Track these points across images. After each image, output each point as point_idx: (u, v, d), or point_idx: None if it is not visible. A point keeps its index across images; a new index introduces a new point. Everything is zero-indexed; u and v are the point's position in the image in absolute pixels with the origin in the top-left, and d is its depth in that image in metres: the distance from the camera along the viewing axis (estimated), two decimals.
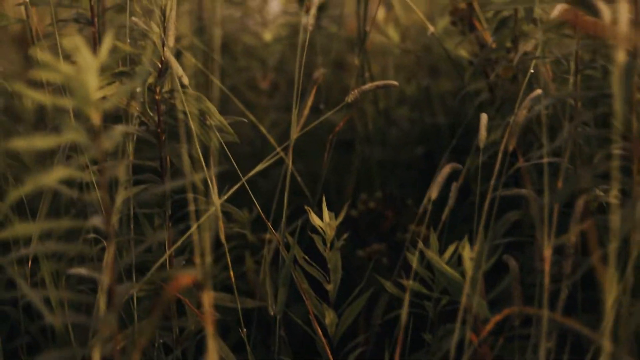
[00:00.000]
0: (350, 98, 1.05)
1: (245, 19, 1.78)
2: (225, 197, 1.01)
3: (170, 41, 1.03)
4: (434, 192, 0.98)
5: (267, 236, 1.28)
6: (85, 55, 0.69)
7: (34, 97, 0.70)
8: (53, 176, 0.71)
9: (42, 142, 0.71)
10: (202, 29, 1.45)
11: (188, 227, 1.05)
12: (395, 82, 1.10)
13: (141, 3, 1.17)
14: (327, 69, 1.53)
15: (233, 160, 1.09)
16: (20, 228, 0.73)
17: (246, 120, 1.13)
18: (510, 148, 0.95)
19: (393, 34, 1.53)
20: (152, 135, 1.06)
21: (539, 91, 1.00)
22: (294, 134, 1.12)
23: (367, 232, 1.35)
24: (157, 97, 1.05)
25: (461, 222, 1.33)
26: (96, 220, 0.75)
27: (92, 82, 0.70)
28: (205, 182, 1.06)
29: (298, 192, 1.37)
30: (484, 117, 1.03)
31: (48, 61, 0.69)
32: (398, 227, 1.34)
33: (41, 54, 0.69)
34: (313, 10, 1.02)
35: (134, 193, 0.99)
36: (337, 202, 1.51)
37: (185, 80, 1.03)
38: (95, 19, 1.22)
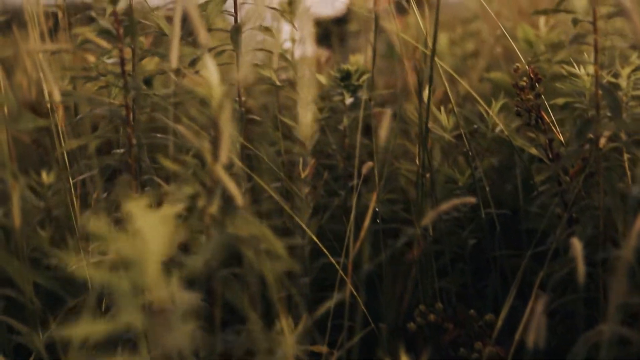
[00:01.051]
0: (426, 221, 0.93)
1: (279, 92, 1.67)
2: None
3: (224, 157, 0.90)
4: (531, 338, 0.85)
5: (323, 350, 1.15)
6: (148, 229, 0.57)
7: (88, 275, 0.58)
8: None
9: (98, 328, 0.58)
10: (242, 116, 1.33)
11: None
12: (472, 199, 0.98)
13: (186, 108, 1.05)
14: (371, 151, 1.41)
15: None
16: None
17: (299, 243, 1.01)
18: (622, 291, 0.83)
19: (444, 118, 1.42)
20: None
21: None
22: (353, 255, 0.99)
23: (425, 346, 1.22)
24: (205, 221, 0.92)
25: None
26: None
27: (155, 262, 0.57)
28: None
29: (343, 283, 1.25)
30: (576, 245, 0.91)
31: (103, 233, 0.57)
32: (459, 340, 1.22)
33: (94, 223, 0.57)
34: (384, 132, 0.90)
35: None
36: (385, 296, 1.39)
37: (240, 201, 0.91)
38: (131, 118, 1.10)
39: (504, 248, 1.46)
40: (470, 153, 1.34)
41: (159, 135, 1.19)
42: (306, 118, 0.74)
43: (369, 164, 1.23)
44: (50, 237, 1.71)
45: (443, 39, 2.14)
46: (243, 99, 1.36)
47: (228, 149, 0.91)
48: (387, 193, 1.58)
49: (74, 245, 1.59)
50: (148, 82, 1.54)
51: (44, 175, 1.79)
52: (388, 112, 0.90)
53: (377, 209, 1.55)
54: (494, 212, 1.43)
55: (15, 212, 0.98)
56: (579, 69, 1.23)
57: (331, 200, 1.54)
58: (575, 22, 1.10)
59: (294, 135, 1.52)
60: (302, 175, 1.42)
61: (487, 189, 1.43)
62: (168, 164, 0.90)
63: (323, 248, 1.27)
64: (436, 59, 1.35)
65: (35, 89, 2.04)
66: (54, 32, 2.09)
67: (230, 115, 0.91)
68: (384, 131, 0.90)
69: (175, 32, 0.97)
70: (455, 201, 0.95)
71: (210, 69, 0.91)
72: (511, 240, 1.56)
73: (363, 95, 1.42)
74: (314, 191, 1.44)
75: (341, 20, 3.48)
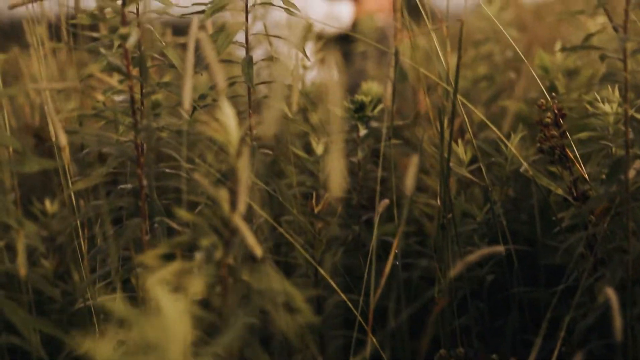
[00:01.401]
0: (454, 273, 0.89)
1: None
2: None
3: (242, 207, 0.86)
4: None
5: None
6: (172, 312, 0.52)
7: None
8: None
9: None
10: (254, 150, 1.28)
11: None
12: (501, 249, 0.94)
13: (203, 155, 1.01)
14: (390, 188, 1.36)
15: None
16: None
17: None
18: None
19: (461, 152, 1.37)
20: (216, 316, 0.89)
21: None
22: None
23: None
24: (222, 273, 0.88)
25: None
26: None
27: (178, 346, 0.53)
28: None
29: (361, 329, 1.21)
30: (613, 297, 0.87)
31: (126, 315, 0.53)
32: None
33: (113, 305, 0.53)
34: (411, 181, 0.85)
35: None
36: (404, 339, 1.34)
37: (259, 252, 0.86)
38: (142, 159, 1.05)
39: (521, 283, 1.41)
40: (489, 189, 1.29)
41: (168, 170, 1.15)
42: (336, 174, 0.69)
43: (386, 201, 1.19)
44: (54, 268, 1.67)
45: (455, 61, 2.10)
46: (254, 132, 1.32)
47: (246, 197, 0.86)
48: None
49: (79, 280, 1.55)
50: (156, 112, 1.50)
51: (47, 204, 1.75)
52: (415, 159, 0.86)
53: (390, 241, 1.51)
54: (512, 249, 1.39)
55: (20, 261, 0.94)
56: (603, 103, 1.19)
57: (344, 233, 1.49)
58: (603, 58, 1.06)
59: (307, 167, 1.47)
60: (316, 210, 1.38)
61: (504, 222, 1.39)
62: (183, 214, 0.85)
63: (337, 289, 1.22)
64: (447, 85, 1.32)
65: (38, 114, 2.00)
66: (57, 50, 2.04)
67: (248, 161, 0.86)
68: (410, 180, 0.85)
69: (188, 73, 0.93)
70: (484, 251, 0.90)
71: (227, 113, 0.87)
72: (528, 274, 1.52)
73: (383, 127, 1.38)
74: (327, 226, 1.39)
75: (346, 38, 3.41)
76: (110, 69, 1.04)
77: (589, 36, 1.06)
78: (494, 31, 2.28)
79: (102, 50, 1.06)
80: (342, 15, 3.57)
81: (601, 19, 1.88)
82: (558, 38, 2.65)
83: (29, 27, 1.69)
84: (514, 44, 1.48)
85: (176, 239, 0.87)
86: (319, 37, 2.41)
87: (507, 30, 1.93)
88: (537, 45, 2.48)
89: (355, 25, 3.43)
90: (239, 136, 0.86)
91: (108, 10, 1.10)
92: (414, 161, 0.85)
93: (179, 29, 1.95)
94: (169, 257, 0.93)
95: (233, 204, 0.86)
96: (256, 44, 1.91)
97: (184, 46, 1.98)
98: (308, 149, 1.55)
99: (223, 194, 0.86)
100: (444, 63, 1.19)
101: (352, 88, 2.61)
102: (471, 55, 2.12)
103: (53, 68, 2.00)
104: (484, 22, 2.21)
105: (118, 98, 1.06)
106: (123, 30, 0.99)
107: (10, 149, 1.07)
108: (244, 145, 0.86)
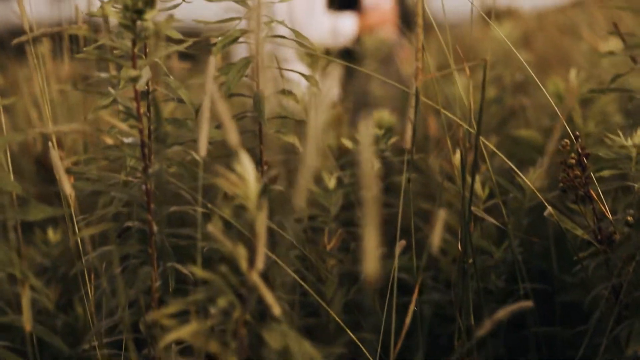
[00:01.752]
0: (482, 332, 0.84)
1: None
2: None
3: (260, 264, 0.82)
4: None
5: None
6: None
7: None
8: None
9: None
10: (265, 188, 1.24)
11: None
12: (528, 303, 0.90)
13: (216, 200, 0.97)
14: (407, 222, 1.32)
15: None
16: None
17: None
18: None
19: (479, 188, 1.33)
20: None
21: None
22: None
23: None
24: (239, 330, 0.84)
25: None
26: None
27: None
28: None
29: None
30: None
31: None
32: None
33: None
34: (437, 238, 0.81)
35: None
36: None
37: (277, 311, 0.82)
38: (152, 205, 1.01)
39: (537, 319, 1.37)
40: (507, 226, 1.26)
41: (178, 209, 1.11)
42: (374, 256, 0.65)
43: (402, 243, 1.15)
44: (56, 298, 1.62)
45: (464, 83, 2.07)
46: (266, 167, 1.28)
47: (264, 254, 0.82)
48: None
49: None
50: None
51: (50, 232, 1.70)
52: (442, 214, 0.82)
53: (400, 276, 1.47)
54: (529, 287, 1.35)
55: (25, 315, 0.89)
56: (626, 140, 1.15)
57: (356, 267, 1.45)
58: (632, 99, 1.02)
59: (317, 201, 1.43)
60: (328, 247, 1.34)
61: (520, 257, 1.35)
62: (198, 271, 0.81)
63: (349, 331, 1.18)
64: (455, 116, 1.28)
65: (39, 139, 1.96)
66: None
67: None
68: (437, 238, 0.81)
69: (204, 119, 0.89)
70: (513, 307, 0.86)
71: (245, 165, 0.83)
72: (543, 309, 1.48)
73: (395, 158, 1.35)
74: (340, 264, 1.35)
75: (349, 52, 3.35)
76: (119, 110, 1.00)
77: (617, 76, 1.03)
78: (503, 50, 2.25)
79: (111, 90, 1.02)
80: (345, 29, 3.51)
81: (613, 41, 1.84)
82: (564, 54, 2.61)
83: (31, 49, 1.64)
84: (529, 68, 1.44)
85: (191, 297, 0.83)
86: (326, 53, 2.36)
87: (517, 50, 1.90)
88: (545, 65, 2.45)
89: (358, 40, 3.37)
90: (258, 190, 0.82)
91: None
92: (440, 217, 0.81)
93: (185, 52, 1.91)
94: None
95: (251, 261, 0.82)
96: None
97: (190, 70, 1.92)
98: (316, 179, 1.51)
99: (240, 251, 0.82)
100: (466, 103, 1.15)
101: (356, 110, 2.57)
102: (480, 78, 2.08)
103: (55, 90, 1.96)
104: (494, 43, 2.18)
105: (127, 140, 1.02)
106: (133, 72, 0.95)
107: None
108: (263, 200, 0.82)
